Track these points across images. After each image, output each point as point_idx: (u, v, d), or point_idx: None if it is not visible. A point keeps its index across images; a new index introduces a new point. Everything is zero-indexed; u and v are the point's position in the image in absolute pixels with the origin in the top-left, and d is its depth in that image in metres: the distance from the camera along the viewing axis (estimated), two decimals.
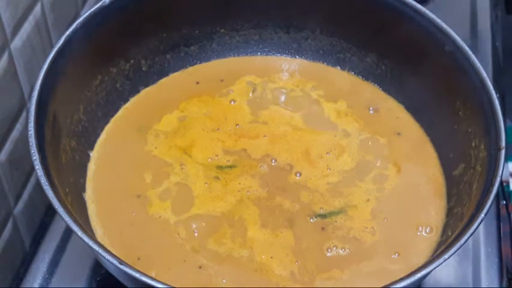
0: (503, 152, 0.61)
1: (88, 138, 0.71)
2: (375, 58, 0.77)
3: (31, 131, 0.59)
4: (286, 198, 0.68)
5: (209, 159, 0.71)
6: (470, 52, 0.67)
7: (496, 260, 0.75)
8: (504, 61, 1.02)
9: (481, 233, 0.76)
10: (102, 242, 0.59)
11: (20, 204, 0.75)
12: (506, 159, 0.61)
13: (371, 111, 0.76)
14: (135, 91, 0.77)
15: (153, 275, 0.54)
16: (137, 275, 0.52)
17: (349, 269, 0.63)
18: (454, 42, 0.68)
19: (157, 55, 0.77)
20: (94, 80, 0.72)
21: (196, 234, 0.65)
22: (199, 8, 0.77)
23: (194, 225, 0.66)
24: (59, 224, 0.76)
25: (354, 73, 0.79)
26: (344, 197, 0.69)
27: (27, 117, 0.62)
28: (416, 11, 0.70)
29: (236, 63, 0.81)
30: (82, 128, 0.70)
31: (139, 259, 0.63)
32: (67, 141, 0.67)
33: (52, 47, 0.65)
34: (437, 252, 0.60)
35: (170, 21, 0.76)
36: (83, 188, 0.68)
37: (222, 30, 0.80)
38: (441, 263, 0.55)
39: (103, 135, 0.73)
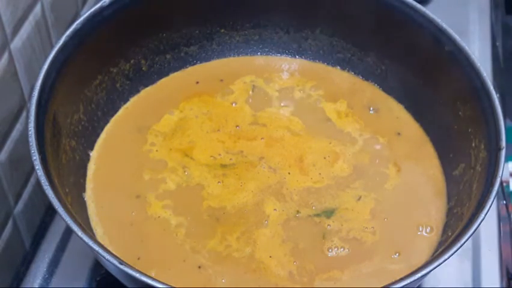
0: (503, 152, 0.61)
1: (88, 138, 0.71)
2: (375, 58, 0.77)
3: (31, 131, 0.59)
4: (285, 197, 0.68)
5: (211, 157, 0.71)
6: (470, 52, 0.67)
7: (496, 260, 0.75)
8: (504, 61, 1.02)
9: (481, 233, 0.76)
10: (102, 242, 0.59)
11: (20, 204, 0.74)
12: (506, 159, 0.61)
13: (371, 111, 0.76)
14: (135, 91, 0.77)
15: (153, 275, 0.54)
16: (137, 275, 0.52)
17: (349, 269, 0.63)
18: (454, 42, 0.68)
19: (157, 55, 0.77)
20: (94, 80, 0.72)
21: (196, 234, 0.65)
22: (199, 8, 0.77)
23: (194, 225, 0.66)
24: (59, 224, 0.76)
25: (354, 73, 0.79)
26: (344, 196, 0.68)
27: (27, 117, 0.62)
28: (416, 11, 0.70)
29: (236, 63, 0.81)
30: (82, 128, 0.70)
31: (139, 259, 0.63)
32: (67, 141, 0.67)
33: (52, 47, 0.65)
34: (437, 252, 0.60)
35: (170, 21, 0.76)
36: (83, 188, 0.68)
37: (222, 30, 0.80)
38: (441, 263, 0.55)
39: (103, 135, 0.73)
